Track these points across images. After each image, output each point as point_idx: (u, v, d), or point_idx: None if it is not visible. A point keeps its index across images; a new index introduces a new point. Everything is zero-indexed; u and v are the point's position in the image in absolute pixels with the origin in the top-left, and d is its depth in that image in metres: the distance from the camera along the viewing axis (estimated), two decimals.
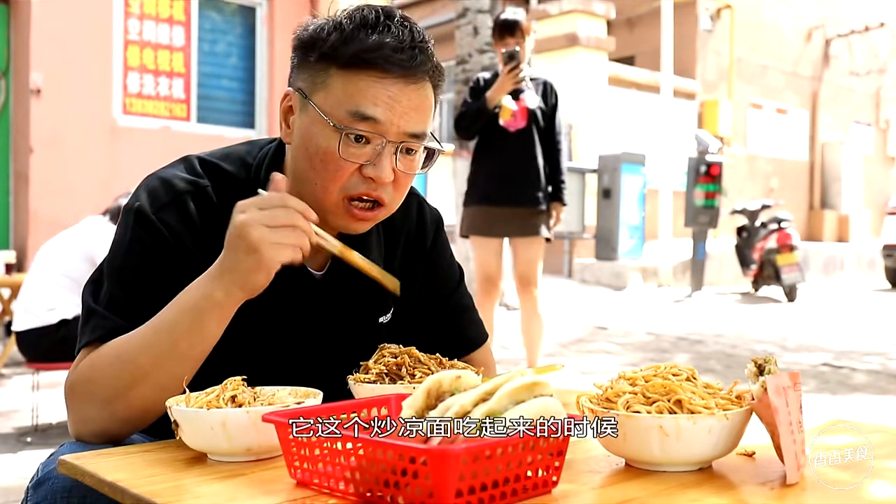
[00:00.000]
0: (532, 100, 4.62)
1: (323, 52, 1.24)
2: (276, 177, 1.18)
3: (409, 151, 1.27)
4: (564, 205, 4.67)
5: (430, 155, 1.31)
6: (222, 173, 1.34)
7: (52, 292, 3.89)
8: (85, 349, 1.23)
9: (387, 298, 1.42)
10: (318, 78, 1.25)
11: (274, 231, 1.11)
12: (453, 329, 1.53)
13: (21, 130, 7.79)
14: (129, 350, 1.18)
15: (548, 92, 4.74)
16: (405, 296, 1.45)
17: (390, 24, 1.24)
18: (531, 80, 4.70)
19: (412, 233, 1.50)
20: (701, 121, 13.99)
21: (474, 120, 4.57)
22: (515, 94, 4.56)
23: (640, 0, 14.07)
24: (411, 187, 1.42)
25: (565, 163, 4.77)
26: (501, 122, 4.53)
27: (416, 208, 1.51)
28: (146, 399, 1.17)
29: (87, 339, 1.23)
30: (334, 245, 1.22)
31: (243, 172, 1.35)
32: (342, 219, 1.28)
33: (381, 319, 1.44)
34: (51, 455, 1.16)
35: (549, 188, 4.62)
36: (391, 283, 1.29)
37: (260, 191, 1.17)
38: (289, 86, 1.32)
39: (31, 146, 7.64)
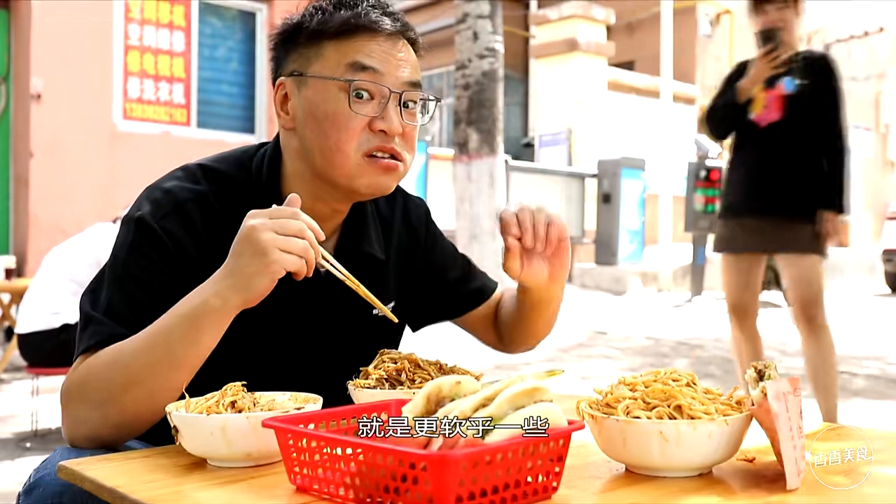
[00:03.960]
0: (790, 84, 3.67)
1: (311, 31, 1.31)
2: (292, 196, 1.20)
3: (407, 105, 1.33)
4: (839, 212, 3.62)
5: (426, 108, 1.38)
6: (223, 178, 1.35)
7: (58, 296, 3.90)
8: (83, 355, 1.23)
9: (384, 292, 1.44)
10: (310, 53, 1.31)
11: (283, 238, 1.12)
12: (469, 285, 1.62)
13: (21, 135, 7.79)
14: (124, 354, 1.17)
15: (816, 70, 3.70)
16: (406, 285, 1.53)
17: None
18: (804, 59, 3.68)
19: (401, 223, 1.55)
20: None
21: (723, 116, 3.76)
22: (772, 80, 3.66)
23: (640, 5, 14.10)
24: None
25: (846, 158, 3.71)
26: (752, 115, 3.69)
27: (402, 201, 1.57)
28: (139, 404, 1.16)
29: (85, 345, 1.22)
30: (339, 270, 1.23)
31: (242, 175, 1.37)
32: (367, 176, 1.31)
33: (374, 312, 1.44)
34: (43, 461, 1.16)
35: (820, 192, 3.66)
36: (391, 315, 1.32)
37: (274, 205, 1.18)
38: (275, 78, 1.37)
39: (32, 151, 7.65)
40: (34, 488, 1.10)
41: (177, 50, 8.65)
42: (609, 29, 12.85)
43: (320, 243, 1.16)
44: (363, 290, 1.26)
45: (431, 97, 1.37)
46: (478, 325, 1.63)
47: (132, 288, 1.26)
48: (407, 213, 1.56)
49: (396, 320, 1.33)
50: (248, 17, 9.27)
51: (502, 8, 8.40)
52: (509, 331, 1.59)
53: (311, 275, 1.16)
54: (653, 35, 13.31)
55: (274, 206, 1.18)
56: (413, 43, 1.36)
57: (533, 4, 15.49)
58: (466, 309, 1.61)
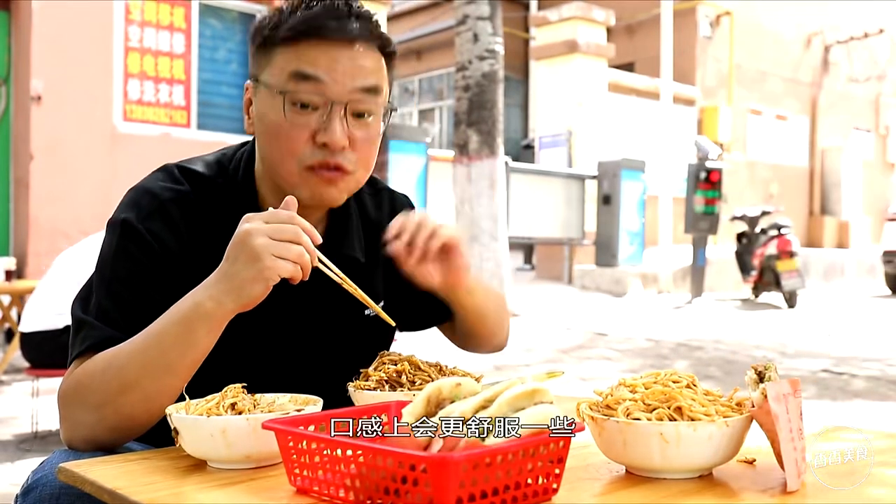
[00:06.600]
0: None
1: (265, 35, 1.29)
2: (289, 198, 1.18)
3: (362, 115, 1.28)
4: None
5: (385, 115, 1.32)
6: (201, 178, 1.36)
7: (63, 298, 3.90)
8: (77, 359, 1.23)
9: (375, 292, 1.44)
10: (263, 59, 1.30)
11: (278, 244, 1.11)
12: None
13: (21, 137, 7.79)
14: (120, 358, 1.17)
15: None
16: (395, 285, 1.50)
17: None
18: None
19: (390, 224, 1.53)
20: (700, 127, 14.01)
21: None
22: None
23: (640, 7, 14.10)
24: (378, 180, 1.49)
25: None
26: None
27: (388, 201, 1.55)
28: (134, 407, 1.16)
29: (79, 349, 1.23)
30: (335, 273, 1.22)
31: (220, 176, 1.38)
32: (309, 189, 1.29)
33: (366, 312, 1.44)
34: (41, 463, 1.16)
35: None
36: (387, 317, 1.30)
37: (270, 208, 1.17)
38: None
39: (32, 153, 7.65)
40: (31, 490, 1.11)
41: (177, 52, 8.65)
42: (609, 30, 12.84)
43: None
44: (360, 293, 1.25)
45: (388, 105, 1.31)
46: (448, 327, 1.62)
47: (121, 290, 1.26)
48: (394, 212, 1.54)
49: (393, 323, 1.32)
50: (248, 19, 9.28)
51: (502, 9, 8.40)
52: (462, 337, 1.59)
53: (307, 278, 1.15)
54: (653, 37, 13.30)
55: (270, 209, 1.16)
56: (382, 48, 1.30)
57: (533, 6, 15.50)
58: (449, 315, 1.56)
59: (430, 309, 1.58)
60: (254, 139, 1.40)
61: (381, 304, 1.48)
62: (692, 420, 0.98)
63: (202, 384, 1.17)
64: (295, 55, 1.26)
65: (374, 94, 1.28)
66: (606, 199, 11.15)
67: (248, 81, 1.35)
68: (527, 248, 12.87)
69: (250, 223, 1.12)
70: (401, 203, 1.58)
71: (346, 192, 1.33)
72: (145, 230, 1.28)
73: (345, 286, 1.24)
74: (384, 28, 1.36)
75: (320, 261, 1.19)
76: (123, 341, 1.20)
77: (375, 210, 1.51)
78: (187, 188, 1.34)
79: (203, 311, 1.14)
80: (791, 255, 9.91)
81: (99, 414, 1.17)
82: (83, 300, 1.30)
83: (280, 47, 1.27)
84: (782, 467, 0.96)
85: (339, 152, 1.27)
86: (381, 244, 1.50)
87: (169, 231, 1.29)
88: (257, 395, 1.15)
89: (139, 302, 1.25)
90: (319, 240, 1.15)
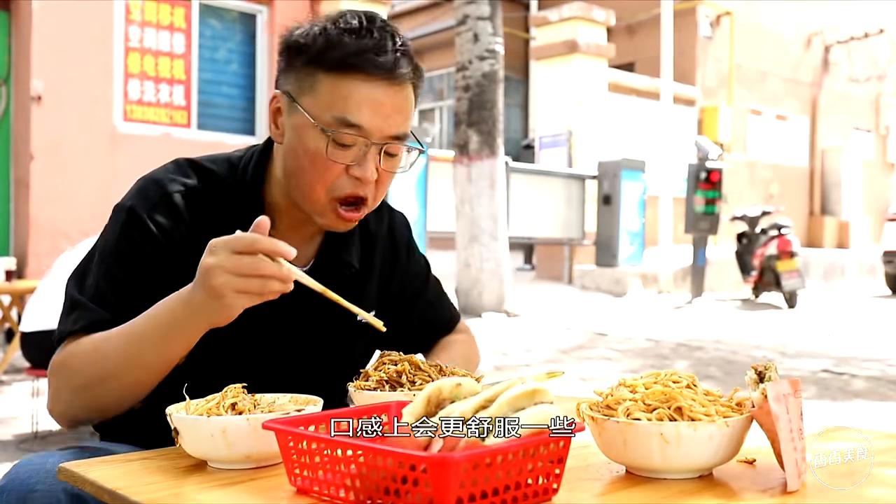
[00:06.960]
0: None
1: (310, 56, 1.29)
2: (260, 220, 1.15)
3: (391, 152, 1.32)
4: None
5: (411, 153, 1.37)
6: (210, 174, 1.39)
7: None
8: (70, 337, 1.27)
9: (369, 300, 1.48)
10: (305, 82, 1.30)
11: (238, 279, 1.10)
12: (432, 315, 1.65)
13: (22, 137, 7.79)
14: (102, 348, 1.23)
15: None
16: (385, 296, 1.55)
17: (373, 28, 1.29)
18: None
19: (386, 238, 1.58)
20: (701, 127, 14.01)
21: None
22: None
23: (640, 7, 14.10)
24: None
25: None
26: None
27: (388, 216, 1.60)
28: (112, 394, 1.23)
29: (71, 328, 1.27)
30: (314, 285, 1.19)
31: (230, 174, 1.40)
32: (328, 219, 1.34)
33: (359, 319, 1.44)
34: (13, 466, 1.18)
35: None
36: (376, 322, 1.26)
37: (238, 231, 1.13)
38: (276, 87, 1.37)
39: (32, 153, 7.64)
40: None
41: (177, 52, 8.65)
42: (609, 30, 12.83)
43: (300, 251, 1.15)
44: (345, 303, 1.21)
45: (417, 147, 1.35)
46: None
47: (119, 274, 1.30)
48: (392, 228, 1.59)
49: (383, 328, 1.28)
50: (249, 19, 9.28)
51: (502, 9, 8.41)
52: None
53: (289, 290, 1.14)
54: (653, 37, 13.30)
55: (238, 232, 1.13)
56: (413, 78, 1.33)
57: (533, 6, 15.49)
58: (425, 345, 1.63)
59: (408, 336, 1.60)
60: (265, 142, 1.42)
61: (373, 312, 1.48)
62: (692, 420, 0.98)
63: (202, 384, 1.17)
64: (341, 94, 1.26)
65: (404, 138, 1.33)
66: (606, 199, 11.14)
67: (278, 92, 1.34)
68: (527, 248, 12.87)
69: (214, 257, 1.11)
70: (399, 221, 1.62)
71: (355, 223, 1.37)
72: (149, 220, 1.31)
73: (328, 296, 1.20)
74: None
75: (295, 274, 1.14)
76: (115, 325, 1.24)
77: (375, 223, 1.55)
78: (196, 182, 1.37)
79: (180, 321, 1.17)
80: (791, 255, 9.91)
81: (78, 396, 1.24)
82: (79, 277, 1.34)
83: (325, 75, 1.27)
84: (782, 467, 0.96)
85: (366, 185, 1.31)
86: (377, 255, 1.54)
87: (173, 223, 1.32)
88: (257, 396, 1.15)
89: (136, 288, 1.28)
90: (292, 254, 1.12)
